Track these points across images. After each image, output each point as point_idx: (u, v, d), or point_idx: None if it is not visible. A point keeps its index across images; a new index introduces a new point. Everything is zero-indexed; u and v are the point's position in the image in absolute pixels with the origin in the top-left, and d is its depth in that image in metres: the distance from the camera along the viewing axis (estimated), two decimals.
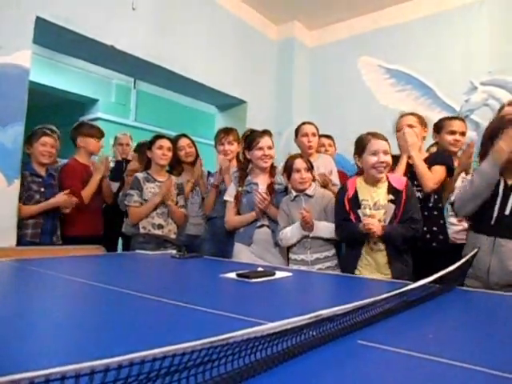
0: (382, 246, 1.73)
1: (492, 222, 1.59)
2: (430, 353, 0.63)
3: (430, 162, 2.06)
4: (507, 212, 1.57)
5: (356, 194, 1.82)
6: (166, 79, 3.48)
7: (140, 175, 2.49)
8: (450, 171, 2.08)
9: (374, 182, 1.82)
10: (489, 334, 0.81)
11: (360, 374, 0.57)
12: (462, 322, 0.92)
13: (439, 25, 3.55)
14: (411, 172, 2.05)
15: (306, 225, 1.91)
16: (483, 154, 1.68)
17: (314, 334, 0.65)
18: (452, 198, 1.80)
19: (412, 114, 2.25)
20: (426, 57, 3.60)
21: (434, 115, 3.00)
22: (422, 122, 2.22)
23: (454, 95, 3.41)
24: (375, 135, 1.83)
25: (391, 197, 1.76)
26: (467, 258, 1.27)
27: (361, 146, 1.84)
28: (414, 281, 0.97)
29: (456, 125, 2.28)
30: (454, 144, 2.25)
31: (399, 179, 1.84)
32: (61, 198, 2.37)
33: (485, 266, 1.52)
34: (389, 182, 1.81)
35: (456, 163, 2.20)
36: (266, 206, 2.09)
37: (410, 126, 2.13)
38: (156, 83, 3.83)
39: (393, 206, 1.74)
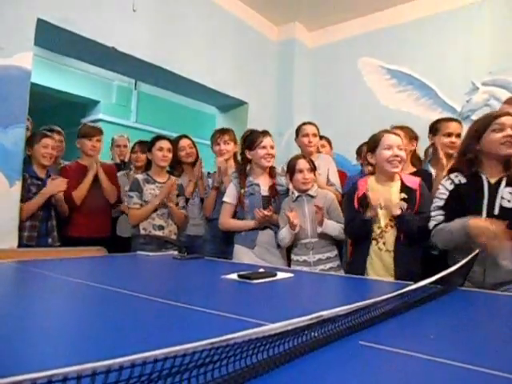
0: (390, 247, 1.72)
1: None
2: (432, 353, 0.63)
3: None
4: (496, 212, 1.53)
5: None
6: (167, 80, 3.48)
7: (140, 176, 2.49)
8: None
9: (386, 180, 1.81)
10: (490, 334, 0.81)
11: (362, 374, 0.57)
12: (464, 322, 0.92)
13: (440, 25, 3.55)
14: None
15: (319, 221, 1.92)
16: (464, 152, 1.64)
17: (316, 335, 0.65)
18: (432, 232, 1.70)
19: (401, 127, 2.24)
20: (427, 57, 3.60)
21: (435, 116, 3.00)
22: (410, 135, 2.22)
23: (456, 96, 3.40)
24: (389, 131, 1.84)
25: (404, 195, 1.74)
26: (468, 258, 1.26)
27: (374, 142, 1.84)
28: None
29: (453, 127, 2.27)
30: (450, 146, 2.25)
31: (413, 178, 1.83)
32: (48, 187, 2.33)
33: (480, 269, 1.51)
34: (402, 182, 1.80)
35: (450, 164, 2.19)
36: (267, 220, 2.10)
37: None
38: (157, 84, 3.83)
39: (405, 205, 1.72)
